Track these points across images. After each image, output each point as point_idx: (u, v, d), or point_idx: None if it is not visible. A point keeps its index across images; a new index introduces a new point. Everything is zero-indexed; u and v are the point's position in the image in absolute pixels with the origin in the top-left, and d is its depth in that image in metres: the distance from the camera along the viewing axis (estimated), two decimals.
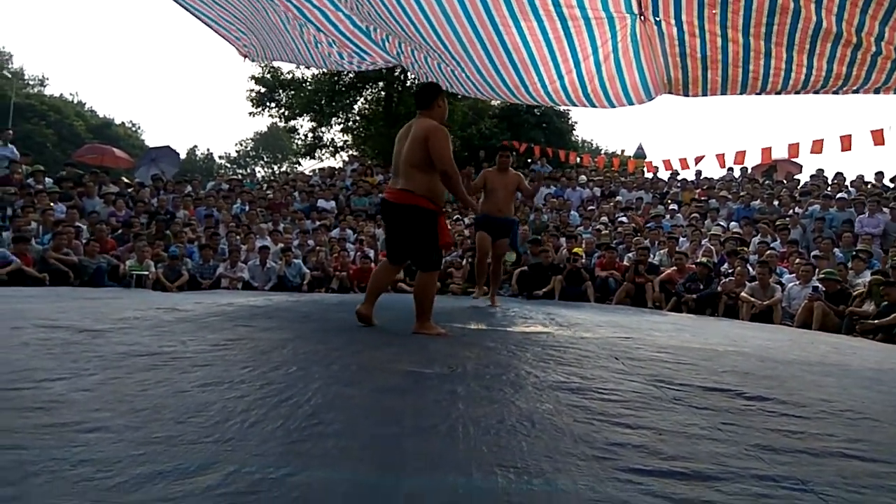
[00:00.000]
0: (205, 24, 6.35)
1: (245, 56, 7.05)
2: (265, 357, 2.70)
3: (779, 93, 5.11)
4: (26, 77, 43.73)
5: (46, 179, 11.34)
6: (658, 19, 4.80)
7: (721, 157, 12.47)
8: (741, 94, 5.27)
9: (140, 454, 1.43)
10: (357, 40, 6.23)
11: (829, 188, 12.58)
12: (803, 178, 14.86)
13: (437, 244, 3.82)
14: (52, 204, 9.87)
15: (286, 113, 22.11)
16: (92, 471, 1.32)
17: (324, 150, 22.73)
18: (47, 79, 61.71)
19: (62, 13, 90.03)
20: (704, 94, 5.45)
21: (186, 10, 6.07)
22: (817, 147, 10.64)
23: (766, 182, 14.36)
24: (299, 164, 26.61)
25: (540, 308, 6.70)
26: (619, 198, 14.14)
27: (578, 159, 16.73)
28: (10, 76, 40.46)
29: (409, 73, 17.51)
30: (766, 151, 11.97)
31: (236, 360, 2.58)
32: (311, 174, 18.20)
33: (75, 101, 45.80)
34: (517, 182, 6.37)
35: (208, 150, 58.87)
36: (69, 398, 1.89)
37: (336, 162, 21.91)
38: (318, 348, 3.01)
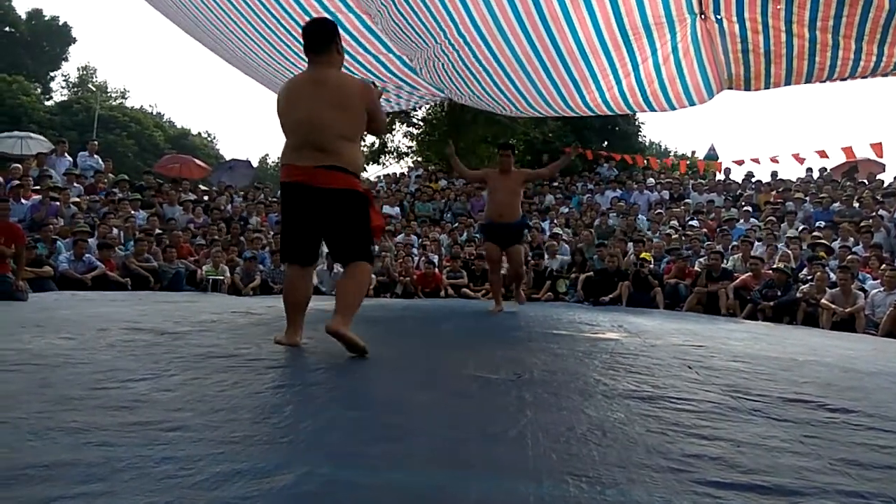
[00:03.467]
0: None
1: None
2: (334, 360, 2.75)
3: (844, 79, 4.91)
4: (109, 90, 46.10)
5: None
6: (719, 17, 4.70)
7: (798, 157, 12.01)
8: (806, 83, 5.10)
9: (219, 453, 1.48)
10: (405, 76, 6.35)
11: None
12: (887, 178, 14.10)
13: (370, 231, 3.15)
14: (132, 212, 10.36)
15: None
16: (175, 468, 1.37)
17: (388, 156, 23.03)
18: (128, 91, 64.81)
19: (142, 29, 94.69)
20: (767, 87, 5.30)
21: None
22: None
23: (848, 183, 13.69)
24: (364, 170, 27.07)
25: (607, 315, 6.58)
26: (688, 201, 13.76)
27: (646, 161, 16.37)
28: (94, 89, 42.75)
29: None
30: (847, 150, 11.42)
31: (307, 363, 2.65)
32: (375, 180, 18.50)
33: (154, 113, 47.98)
34: (522, 181, 5.97)
35: (279, 158, 60.59)
36: (152, 398, 1.97)
37: (400, 168, 22.17)
38: (385, 352, 3.04)
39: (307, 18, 5.41)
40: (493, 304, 6.06)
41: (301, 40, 3.20)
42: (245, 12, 5.53)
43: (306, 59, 3.14)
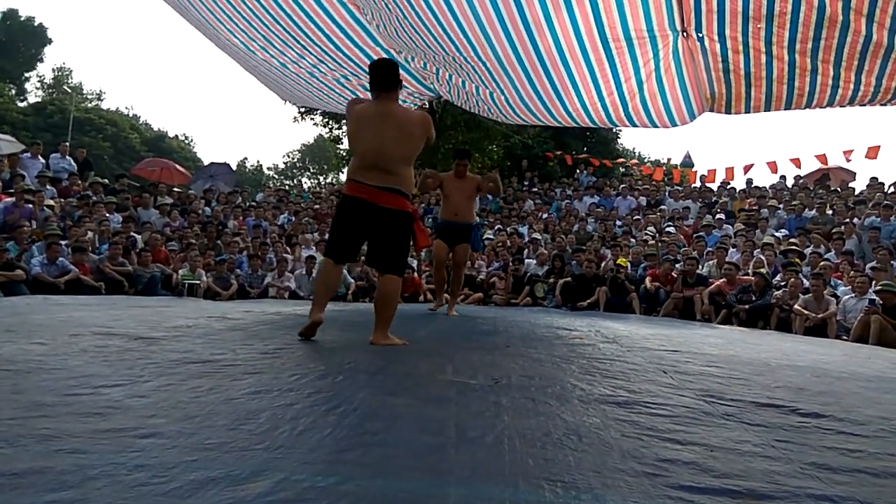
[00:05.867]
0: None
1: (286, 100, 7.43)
2: (312, 366, 2.73)
3: (823, 107, 4.99)
4: (85, 92, 45.46)
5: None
6: (701, 35, 4.73)
7: (773, 165, 12.21)
8: (785, 109, 5.17)
9: (193, 460, 1.46)
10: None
11: (885, 198, 12.11)
12: (858, 186, 14.38)
13: (409, 248, 3.68)
14: (107, 215, 10.21)
15: (330, 122, 22.40)
16: (148, 476, 1.35)
17: None
18: (104, 93, 63.96)
19: (119, 30, 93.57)
20: (747, 112, 5.36)
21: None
22: (872, 153, 10.36)
23: (820, 191, 13.94)
24: (342, 171, 26.95)
25: (584, 320, 6.63)
26: (664, 207, 13.90)
27: (623, 168, 16.53)
28: (70, 91, 42.13)
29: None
30: (820, 158, 11.66)
31: (284, 369, 2.62)
32: None
33: (131, 115, 47.40)
34: (475, 186, 6.21)
35: (258, 161, 60.20)
36: (125, 404, 1.94)
37: None
38: (363, 357, 3.03)
39: (291, 2, 5.41)
40: (447, 305, 6.26)
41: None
42: None
43: (371, 92, 3.63)
